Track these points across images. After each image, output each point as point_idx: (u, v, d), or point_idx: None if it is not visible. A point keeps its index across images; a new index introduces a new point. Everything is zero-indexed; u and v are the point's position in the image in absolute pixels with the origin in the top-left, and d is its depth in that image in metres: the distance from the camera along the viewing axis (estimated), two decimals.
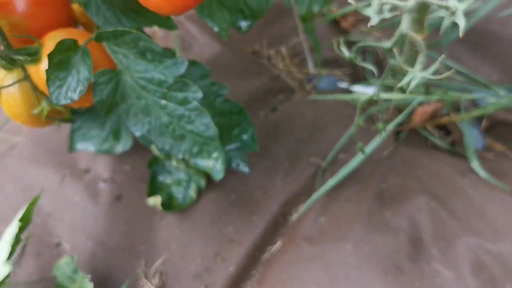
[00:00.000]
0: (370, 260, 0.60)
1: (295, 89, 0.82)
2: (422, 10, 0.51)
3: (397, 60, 0.49)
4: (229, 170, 0.70)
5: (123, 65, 0.46)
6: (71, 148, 0.71)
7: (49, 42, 0.50)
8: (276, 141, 0.73)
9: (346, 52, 0.41)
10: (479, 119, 0.75)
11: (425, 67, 0.46)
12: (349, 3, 0.86)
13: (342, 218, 0.65)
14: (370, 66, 0.45)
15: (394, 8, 0.46)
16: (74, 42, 0.47)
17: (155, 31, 0.88)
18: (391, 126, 0.66)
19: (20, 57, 0.49)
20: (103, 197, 0.71)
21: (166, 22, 0.49)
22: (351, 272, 0.59)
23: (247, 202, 0.68)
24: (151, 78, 0.46)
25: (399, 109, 0.76)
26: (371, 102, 0.78)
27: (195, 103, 0.46)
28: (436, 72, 0.47)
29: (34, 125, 0.60)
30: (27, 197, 0.73)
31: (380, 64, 0.84)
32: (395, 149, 0.73)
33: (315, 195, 0.67)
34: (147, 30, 0.69)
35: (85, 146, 0.70)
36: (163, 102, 0.46)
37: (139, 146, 0.73)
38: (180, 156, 0.50)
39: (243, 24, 0.61)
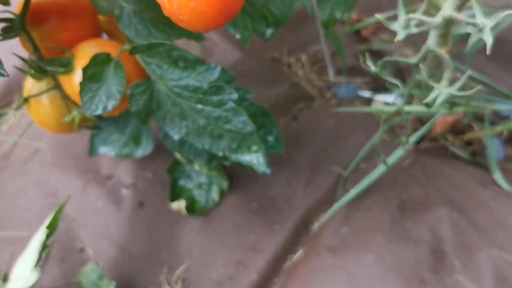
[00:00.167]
0: (392, 271, 0.61)
1: (315, 96, 0.82)
2: (448, 24, 0.51)
3: (423, 76, 0.49)
4: (251, 177, 0.71)
5: (156, 75, 0.47)
6: (92, 152, 0.72)
7: (81, 53, 0.51)
8: (297, 150, 0.74)
9: (372, 67, 0.41)
10: None
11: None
12: (370, 11, 0.87)
13: (364, 228, 0.66)
14: (395, 81, 0.45)
15: (421, 23, 0.46)
16: (107, 55, 0.48)
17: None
18: (413, 138, 0.66)
19: (53, 68, 0.50)
20: (126, 204, 0.72)
21: (195, 35, 0.50)
22: (373, 283, 0.60)
23: (269, 210, 0.69)
24: (186, 85, 0.47)
25: (420, 120, 0.76)
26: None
27: (231, 104, 0.47)
28: (461, 87, 0.47)
29: (61, 132, 0.61)
30: (50, 202, 0.74)
31: (401, 72, 0.84)
32: (416, 158, 0.73)
33: (337, 205, 0.68)
34: None
35: (106, 151, 0.71)
36: (199, 106, 0.48)
37: (160, 153, 0.74)
38: (220, 153, 0.51)
39: (267, 31, 0.61)
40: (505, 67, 0.79)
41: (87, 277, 0.63)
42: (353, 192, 0.68)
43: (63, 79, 0.52)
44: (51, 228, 0.61)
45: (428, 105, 0.47)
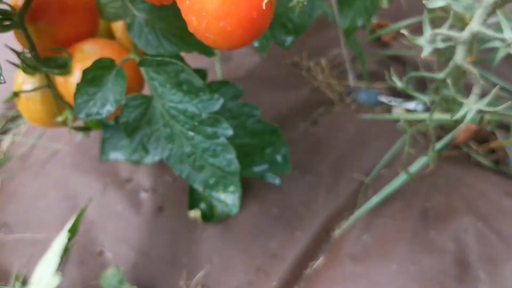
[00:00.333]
0: (416, 280, 0.60)
1: (335, 101, 0.82)
2: (474, 38, 0.50)
3: (451, 92, 0.48)
4: (272, 183, 0.70)
5: (157, 92, 0.46)
6: (102, 157, 0.71)
7: (80, 54, 0.50)
8: (318, 156, 0.73)
9: (398, 82, 0.40)
10: None
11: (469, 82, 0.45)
12: (390, 16, 0.86)
13: (386, 236, 0.65)
14: (424, 97, 0.45)
15: (447, 38, 0.45)
16: (111, 61, 0.46)
17: None
18: (438, 147, 0.65)
19: (48, 69, 0.49)
20: (145, 208, 0.72)
21: (206, 49, 0.48)
22: None
23: (289, 217, 0.68)
24: (184, 109, 0.45)
25: (441, 127, 0.75)
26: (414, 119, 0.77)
27: (223, 139, 0.46)
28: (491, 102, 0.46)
29: (53, 127, 0.60)
30: (70, 204, 0.74)
31: (422, 78, 0.83)
32: (438, 166, 0.72)
33: (358, 212, 0.67)
34: None
35: (116, 156, 0.71)
36: (191, 133, 0.46)
37: None
38: (196, 186, 0.50)
39: (287, 39, 0.61)
40: None
41: (108, 281, 0.62)
42: (375, 199, 0.67)
43: (58, 78, 0.51)
44: (73, 231, 0.61)
45: (457, 121, 0.47)
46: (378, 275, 0.61)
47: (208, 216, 0.69)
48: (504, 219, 0.64)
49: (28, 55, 0.50)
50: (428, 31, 0.37)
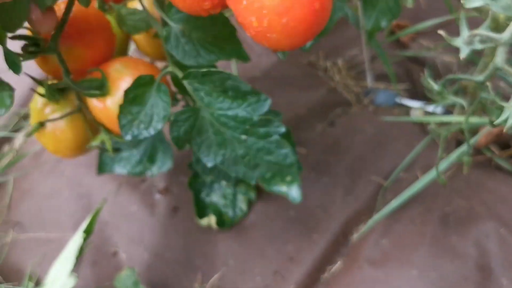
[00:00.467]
0: (437, 287, 0.59)
1: (352, 102, 0.80)
2: None
3: (491, 95, 0.47)
4: None
5: (203, 102, 0.45)
6: (100, 170, 0.66)
7: (115, 74, 0.48)
8: (335, 157, 0.72)
9: (434, 85, 0.39)
10: None
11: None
12: (409, 16, 0.84)
13: (405, 241, 0.64)
14: (461, 101, 0.43)
15: (486, 39, 0.44)
16: (150, 77, 0.45)
17: None
18: (462, 150, 0.63)
19: (87, 91, 0.47)
20: (160, 208, 0.71)
21: (242, 55, 0.47)
22: None
23: (307, 219, 0.67)
24: (234, 115, 0.44)
25: (461, 130, 0.74)
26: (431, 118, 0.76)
27: (276, 137, 0.45)
28: None
29: (72, 156, 0.56)
30: (83, 204, 0.73)
31: (440, 78, 0.81)
32: (458, 169, 0.71)
33: (377, 216, 0.66)
34: None
35: (116, 169, 0.65)
36: (243, 137, 0.45)
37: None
38: (253, 182, 0.49)
39: None
40: None
41: (122, 283, 0.62)
42: (394, 203, 0.66)
43: (90, 101, 0.48)
44: (88, 232, 0.60)
45: (493, 124, 0.45)
46: (398, 281, 0.60)
47: (220, 224, 0.68)
48: None
49: (50, 82, 0.49)
50: (465, 32, 0.35)
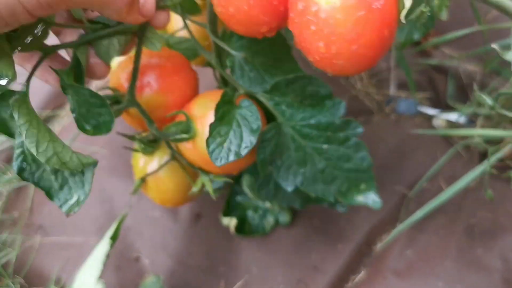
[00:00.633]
0: None
1: (373, 111, 0.80)
2: None
3: None
4: None
5: (285, 116, 0.43)
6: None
7: (198, 111, 0.45)
8: None
9: (488, 100, 0.39)
10: None
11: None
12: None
13: (430, 252, 0.63)
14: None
15: None
16: (231, 96, 0.43)
17: None
18: (491, 162, 0.63)
19: (176, 137, 0.45)
20: (183, 215, 0.71)
21: (299, 72, 0.45)
22: None
23: (331, 229, 0.67)
24: (317, 123, 0.43)
25: (485, 140, 0.74)
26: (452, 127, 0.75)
27: (354, 139, 0.44)
28: None
29: (182, 204, 0.55)
30: (106, 208, 0.74)
31: (464, 89, 0.81)
32: (482, 180, 0.70)
33: (401, 226, 0.65)
34: None
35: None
36: (325, 146, 0.44)
37: None
38: (331, 199, 0.47)
39: None
40: None
41: None
42: (418, 213, 0.65)
43: (182, 146, 0.46)
44: (114, 238, 0.60)
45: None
46: None
47: (238, 228, 0.68)
48: None
49: (141, 136, 0.47)
50: None
